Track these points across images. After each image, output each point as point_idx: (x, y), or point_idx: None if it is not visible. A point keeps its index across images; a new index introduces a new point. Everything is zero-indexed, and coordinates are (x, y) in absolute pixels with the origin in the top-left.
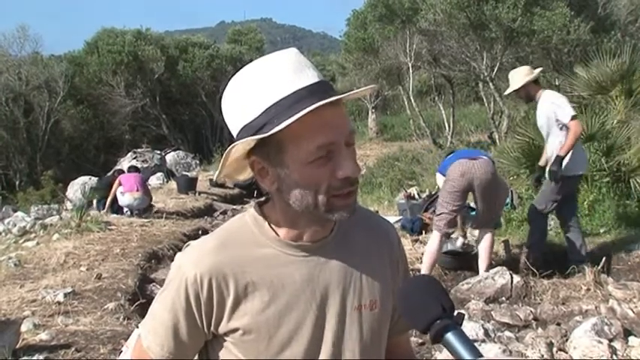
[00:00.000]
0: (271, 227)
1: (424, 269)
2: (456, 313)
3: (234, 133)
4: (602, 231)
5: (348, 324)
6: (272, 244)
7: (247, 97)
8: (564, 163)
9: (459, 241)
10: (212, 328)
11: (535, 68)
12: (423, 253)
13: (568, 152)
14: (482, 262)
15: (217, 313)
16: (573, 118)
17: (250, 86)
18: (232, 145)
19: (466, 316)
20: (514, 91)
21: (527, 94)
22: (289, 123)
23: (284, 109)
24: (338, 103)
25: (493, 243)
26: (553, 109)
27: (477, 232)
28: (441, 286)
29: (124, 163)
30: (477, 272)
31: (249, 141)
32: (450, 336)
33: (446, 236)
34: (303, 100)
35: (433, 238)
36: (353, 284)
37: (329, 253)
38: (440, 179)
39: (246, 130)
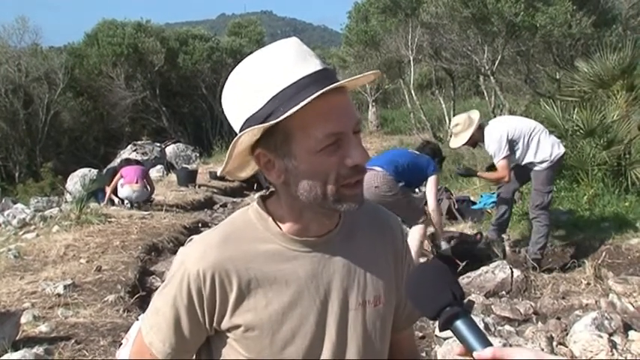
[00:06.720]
0: (275, 222)
1: (414, 257)
2: (466, 301)
3: (237, 127)
4: (601, 225)
5: (352, 320)
6: (276, 240)
7: (250, 88)
8: (539, 158)
9: (444, 245)
10: (214, 324)
11: (471, 110)
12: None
13: (493, 180)
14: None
15: (220, 310)
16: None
17: (252, 77)
18: (238, 136)
19: None
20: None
21: (474, 140)
22: (297, 109)
23: (289, 97)
24: (344, 91)
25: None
26: (492, 150)
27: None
28: (450, 273)
29: (124, 155)
30: (479, 265)
31: (256, 130)
32: (459, 323)
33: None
34: (308, 87)
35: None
36: (357, 280)
37: (333, 248)
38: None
39: (251, 122)
